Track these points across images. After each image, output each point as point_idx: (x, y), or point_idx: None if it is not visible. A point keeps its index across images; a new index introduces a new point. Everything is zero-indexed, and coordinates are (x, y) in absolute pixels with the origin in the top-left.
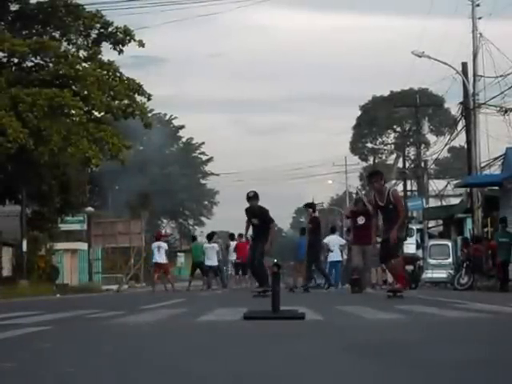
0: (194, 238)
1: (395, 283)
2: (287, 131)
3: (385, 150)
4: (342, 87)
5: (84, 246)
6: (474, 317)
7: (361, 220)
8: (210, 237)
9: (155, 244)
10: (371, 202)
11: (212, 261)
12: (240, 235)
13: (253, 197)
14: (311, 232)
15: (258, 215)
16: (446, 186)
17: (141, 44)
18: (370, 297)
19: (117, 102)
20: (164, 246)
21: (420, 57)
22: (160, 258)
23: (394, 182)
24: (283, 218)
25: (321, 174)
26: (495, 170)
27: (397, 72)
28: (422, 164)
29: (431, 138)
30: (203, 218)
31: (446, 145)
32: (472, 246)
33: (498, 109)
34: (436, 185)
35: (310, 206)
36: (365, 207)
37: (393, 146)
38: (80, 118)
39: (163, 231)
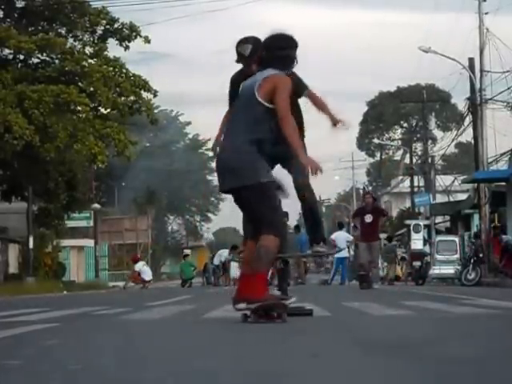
0: (185, 257)
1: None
2: None
3: (392, 145)
4: (349, 83)
5: (90, 242)
6: (483, 313)
7: (368, 218)
8: (234, 248)
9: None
10: None
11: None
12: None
13: (247, 42)
14: None
15: None
16: (453, 181)
17: (147, 40)
18: (378, 293)
19: (123, 98)
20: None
21: (427, 52)
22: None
23: (400, 177)
24: None
25: (327, 170)
26: (502, 165)
27: (404, 68)
28: (429, 160)
29: (438, 133)
30: (210, 214)
31: (452, 140)
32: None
33: (505, 104)
34: (443, 180)
35: None
36: (373, 204)
37: (400, 142)
38: (86, 115)
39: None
